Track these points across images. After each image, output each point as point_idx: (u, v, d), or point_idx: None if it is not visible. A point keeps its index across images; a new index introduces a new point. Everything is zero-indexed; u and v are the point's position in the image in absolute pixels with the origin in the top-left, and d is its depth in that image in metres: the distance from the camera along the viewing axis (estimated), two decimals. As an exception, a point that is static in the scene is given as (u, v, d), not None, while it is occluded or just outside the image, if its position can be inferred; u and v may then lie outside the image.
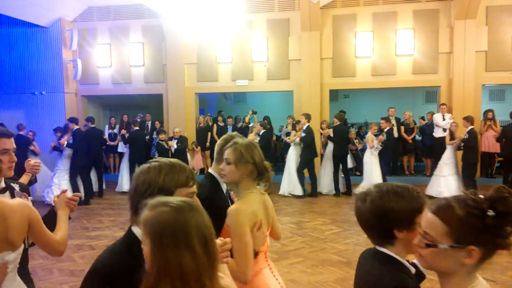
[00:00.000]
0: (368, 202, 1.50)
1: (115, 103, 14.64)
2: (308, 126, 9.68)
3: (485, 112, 10.89)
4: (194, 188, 1.61)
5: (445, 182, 9.10)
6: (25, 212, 1.94)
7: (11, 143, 2.30)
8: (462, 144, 8.98)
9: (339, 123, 9.99)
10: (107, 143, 12.39)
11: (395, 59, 11.29)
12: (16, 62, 12.58)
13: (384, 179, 9.35)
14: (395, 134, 11.25)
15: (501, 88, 15.11)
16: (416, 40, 11.13)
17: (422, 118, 12.46)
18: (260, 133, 10.14)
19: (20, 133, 9.77)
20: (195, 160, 12.27)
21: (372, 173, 9.41)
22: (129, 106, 14.81)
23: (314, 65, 11.43)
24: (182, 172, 1.57)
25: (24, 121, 12.27)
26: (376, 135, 10.01)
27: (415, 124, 11.92)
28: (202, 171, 12.53)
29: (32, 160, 3.13)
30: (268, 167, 2.28)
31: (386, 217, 1.45)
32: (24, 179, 3.01)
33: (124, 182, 10.64)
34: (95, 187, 10.35)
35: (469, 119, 9.11)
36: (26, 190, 2.50)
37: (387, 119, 10.24)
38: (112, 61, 12.71)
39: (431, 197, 9.11)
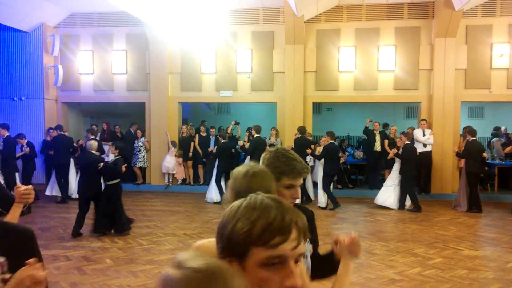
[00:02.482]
0: None
1: (97, 111, 14.45)
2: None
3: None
4: None
5: (387, 191, 9.89)
6: None
7: None
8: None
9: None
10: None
11: (377, 74, 11.45)
12: (-5, 67, 12.34)
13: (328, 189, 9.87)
14: (378, 148, 11.39)
15: (480, 105, 15.46)
16: (398, 56, 11.33)
17: (403, 133, 12.60)
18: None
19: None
20: (178, 171, 12.17)
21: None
22: (111, 113, 14.64)
23: (298, 78, 11.51)
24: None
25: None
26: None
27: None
28: (184, 181, 12.43)
29: (22, 186, 2.44)
30: None
31: None
32: (15, 213, 2.38)
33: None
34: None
35: (406, 134, 10.04)
36: None
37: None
38: (94, 68, 12.56)
39: (379, 207, 9.82)
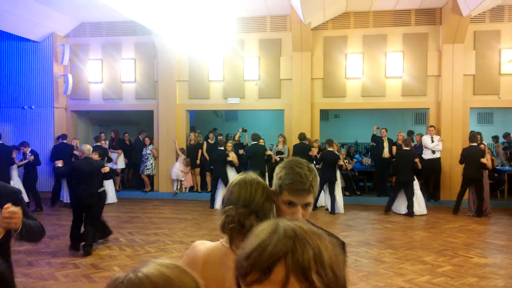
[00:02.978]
0: None
1: (106, 119, 14.57)
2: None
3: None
4: None
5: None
6: None
7: None
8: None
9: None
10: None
11: (384, 80, 11.43)
12: (6, 76, 12.53)
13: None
14: (386, 155, 11.34)
15: (488, 111, 15.34)
16: (405, 62, 11.31)
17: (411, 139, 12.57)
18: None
19: None
20: (186, 178, 12.20)
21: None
22: (120, 122, 14.75)
23: (305, 85, 11.52)
24: None
25: (12, 135, 12.20)
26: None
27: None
28: (191, 188, 12.46)
29: (10, 207, 2.15)
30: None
31: None
32: None
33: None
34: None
35: (405, 140, 10.08)
36: None
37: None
38: (103, 77, 12.69)
39: (387, 214, 9.94)
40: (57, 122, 12.50)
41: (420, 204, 9.91)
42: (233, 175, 10.39)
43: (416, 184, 9.91)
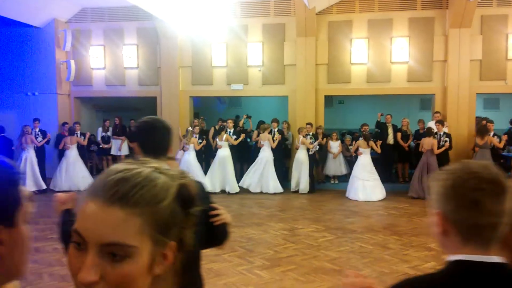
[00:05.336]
0: None
1: (109, 105, 14.53)
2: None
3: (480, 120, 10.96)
4: None
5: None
6: None
7: None
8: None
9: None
10: (100, 146, 12.38)
11: (390, 66, 11.30)
12: (8, 63, 12.45)
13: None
14: (391, 141, 11.26)
15: (495, 97, 15.18)
16: (411, 47, 11.16)
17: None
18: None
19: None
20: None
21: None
22: (123, 108, 14.70)
23: (309, 70, 11.41)
24: None
25: (16, 122, 12.18)
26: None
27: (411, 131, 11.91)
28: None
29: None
30: None
31: None
32: None
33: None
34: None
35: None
36: None
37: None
38: (106, 63, 12.61)
39: (392, 200, 9.94)
40: (60, 109, 12.47)
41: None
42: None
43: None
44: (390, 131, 11.34)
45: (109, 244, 0.71)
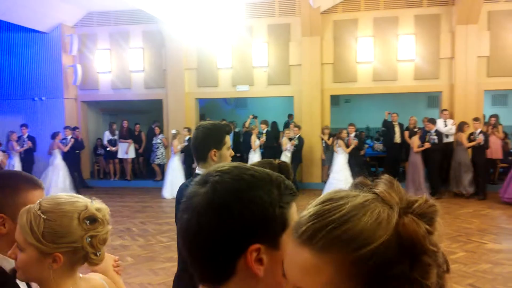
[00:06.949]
0: None
1: (115, 109, 14.61)
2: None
3: (490, 118, 10.85)
4: None
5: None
6: None
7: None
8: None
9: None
10: (107, 149, 12.45)
11: (396, 64, 11.21)
12: (15, 68, 12.57)
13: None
14: (398, 140, 11.18)
15: (503, 93, 15.01)
16: (418, 45, 11.05)
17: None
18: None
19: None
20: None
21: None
22: (129, 111, 14.77)
23: (315, 70, 11.36)
24: None
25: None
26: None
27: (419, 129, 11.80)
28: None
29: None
30: None
31: None
32: None
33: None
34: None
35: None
36: None
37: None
38: (112, 67, 12.67)
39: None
40: (67, 113, 12.56)
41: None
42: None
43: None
44: (397, 129, 11.26)
45: None
